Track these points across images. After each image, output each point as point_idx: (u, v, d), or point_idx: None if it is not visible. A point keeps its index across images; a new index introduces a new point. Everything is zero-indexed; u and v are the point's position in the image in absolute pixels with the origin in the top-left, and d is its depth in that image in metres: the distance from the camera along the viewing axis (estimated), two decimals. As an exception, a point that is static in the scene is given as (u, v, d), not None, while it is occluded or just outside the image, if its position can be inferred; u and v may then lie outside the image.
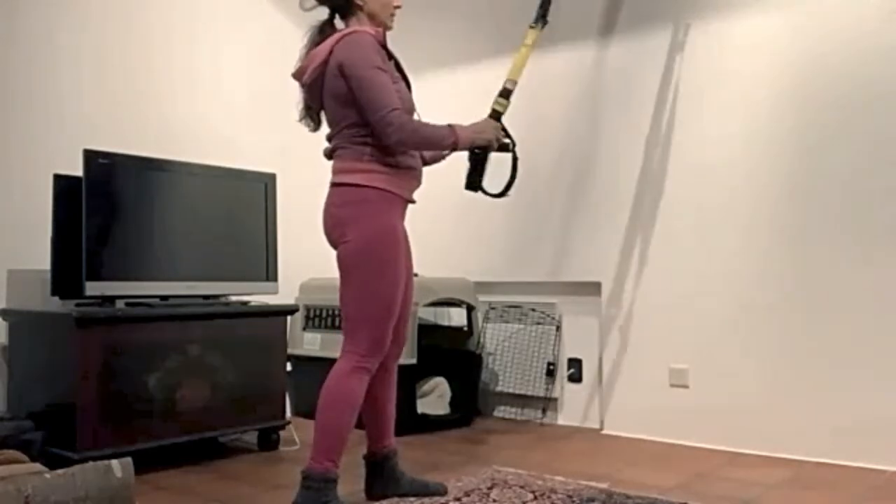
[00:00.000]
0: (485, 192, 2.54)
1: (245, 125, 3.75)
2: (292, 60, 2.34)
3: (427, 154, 2.41)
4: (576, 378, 3.57)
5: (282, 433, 3.08)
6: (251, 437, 3.10)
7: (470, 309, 3.70)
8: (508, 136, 2.53)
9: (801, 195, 2.91)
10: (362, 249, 2.20)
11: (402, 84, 2.30)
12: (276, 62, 3.84)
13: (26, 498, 1.75)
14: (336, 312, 3.64)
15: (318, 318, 3.70)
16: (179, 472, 2.70)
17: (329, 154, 2.30)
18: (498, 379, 3.73)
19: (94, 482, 1.89)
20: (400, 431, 3.28)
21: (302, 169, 4.00)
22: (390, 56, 2.28)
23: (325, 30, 2.28)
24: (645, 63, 3.34)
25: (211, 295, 2.96)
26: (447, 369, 3.64)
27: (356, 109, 2.16)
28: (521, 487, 2.44)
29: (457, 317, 3.85)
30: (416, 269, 3.99)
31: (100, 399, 2.51)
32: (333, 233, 2.26)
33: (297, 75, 2.28)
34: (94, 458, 1.99)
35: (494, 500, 2.31)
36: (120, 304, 2.73)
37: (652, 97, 3.32)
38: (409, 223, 4.27)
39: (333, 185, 2.25)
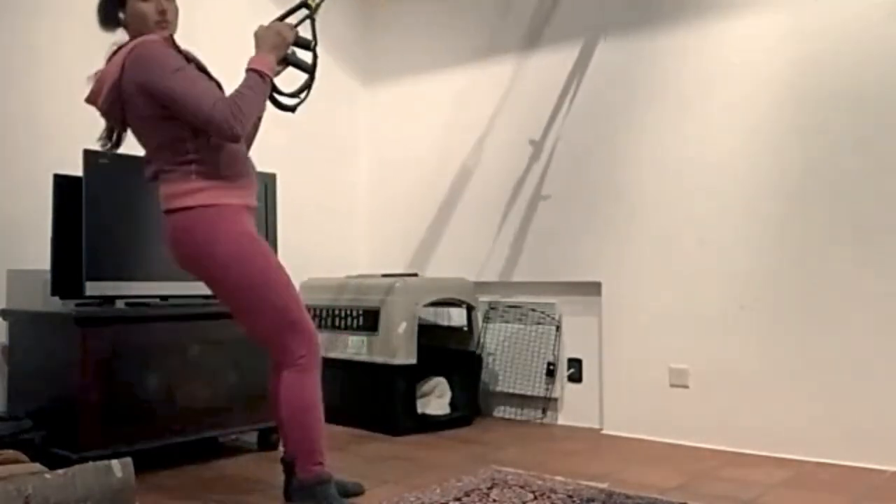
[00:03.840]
0: (285, 107, 2.28)
1: (245, 125, 3.75)
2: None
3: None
4: (576, 378, 3.57)
5: (282, 433, 3.08)
6: (251, 437, 3.10)
7: (470, 309, 3.70)
8: (314, 35, 2.31)
9: (802, 194, 2.91)
10: (236, 268, 2.10)
11: (206, 78, 2.16)
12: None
13: (26, 498, 1.75)
14: (336, 312, 3.64)
15: (318, 318, 3.70)
16: (179, 472, 2.70)
17: (153, 176, 2.16)
18: (498, 379, 3.73)
19: (94, 482, 1.89)
20: (400, 432, 3.30)
21: (302, 169, 4.01)
22: (188, 58, 2.15)
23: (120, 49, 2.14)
24: (645, 63, 3.35)
25: (211, 295, 2.95)
26: (447, 369, 3.64)
27: (172, 125, 2.05)
28: (521, 487, 2.44)
29: (457, 317, 3.84)
30: (415, 269, 4.02)
31: (100, 399, 2.51)
32: (189, 264, 2.15)
33: (91, 99, 2.13)
34: (94, 458, 1.98)
35: (494, 500, 2.31)
36: (120, 304, 2.73)
37: (651, 96, 3.32)
38: (410, 223, 4.28)
39: (167, 212, 2.12)
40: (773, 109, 2.99)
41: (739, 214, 3.06)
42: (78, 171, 2.66)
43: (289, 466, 2.30)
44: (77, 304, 2.63)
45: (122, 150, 2.80)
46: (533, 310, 3.66)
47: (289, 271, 3.65)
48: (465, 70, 4.00)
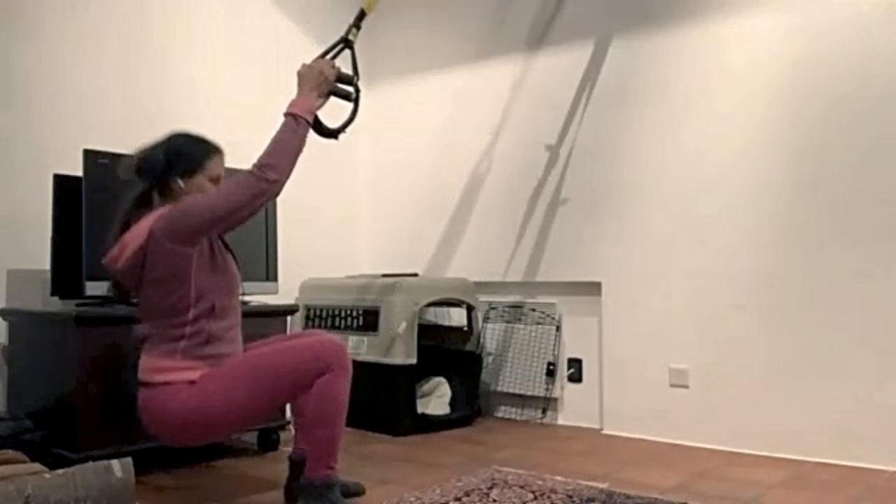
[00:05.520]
0: (328, 134, 2.39)
1: (245, 126, 3.74)
2: (294, 62, 2.34)
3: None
4: (576, 378, 3.57)
5: (282, 433, 3.08)
6: (251, 437, 3.10)
7: (470, 309, 3.70)
8: (356, 69, 2.41)
9: (801, 195, 2.91)
10: (214, 404, 2.09)
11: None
12: (276, 64, 3.84)
13: (26, 498, 1.75)
14: (336, 312, 3.64)
15: (318, 318, 3.70)
16: (179, 472, 2.70)
17: (141, 340, 2.19)
18: (498, 379, 3.73)
19: (94, 482, 1.89)
20: (400, 432, 3.30)
21: (302, 169, 4.01)
22: None
23: (139, 207, 2.19)
24: (645, 63, 3.35)
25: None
26: (447, 369, 3.64)
27: (179, 288, 2.08)
28: (521, 487, 2.44)
29: (457, 317, 3.84)
30: (416, 269, 4.02)
31: (100, 399, 2.51)
32: (181, 433, 2.16)
33: (110, 261, 2.15)
34: (94, 458, 1.99)
35: (494, 500, 2.31)
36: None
37: (651, 97, 3.32)
38: (410, 223, 4.28)
39: (143, 384, 2.13)
40: (774, 110, 2.99)
41: (740, 214, 3.06)
42: (78, 171, 2.66)
43: (296, 466, 2.30)
44: (77, 304, 2.63)
45: (122, 150, 2.82)
46: (533, 310, 3.66)
47: (289, 272, 3.66)
48: (465, 70, 3.99)
